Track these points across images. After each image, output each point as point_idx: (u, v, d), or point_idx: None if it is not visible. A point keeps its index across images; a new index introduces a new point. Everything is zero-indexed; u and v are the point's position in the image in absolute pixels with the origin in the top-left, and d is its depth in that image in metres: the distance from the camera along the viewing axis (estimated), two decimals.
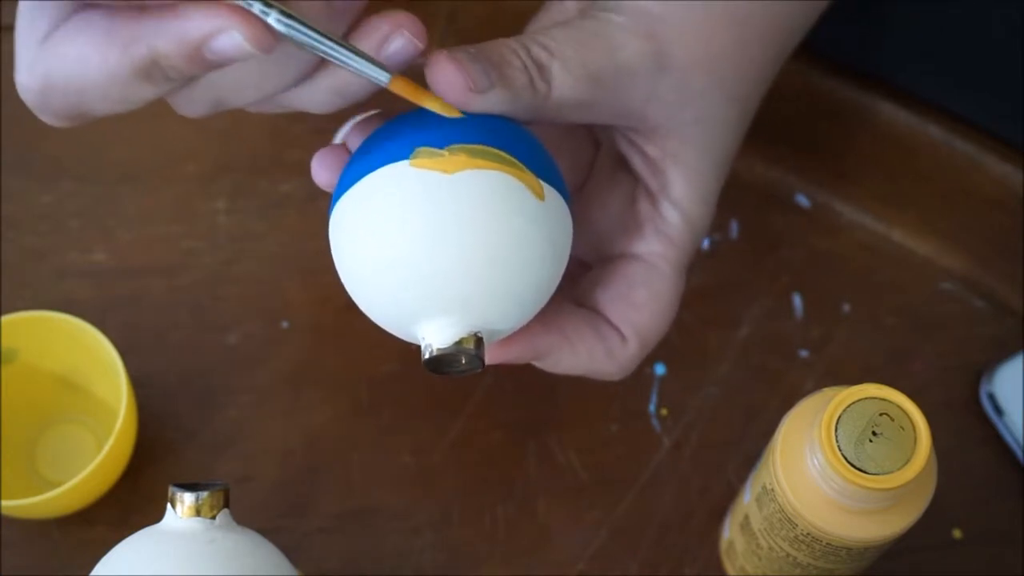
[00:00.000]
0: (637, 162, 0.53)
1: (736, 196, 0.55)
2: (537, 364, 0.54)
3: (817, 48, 0.65)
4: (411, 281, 0.45)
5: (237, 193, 0.69)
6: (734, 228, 0.68)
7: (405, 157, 0.45)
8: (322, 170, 0.50)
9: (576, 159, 0.56)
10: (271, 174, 0.70)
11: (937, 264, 0.68)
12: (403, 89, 0.46)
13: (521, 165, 0.46)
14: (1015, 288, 0.67)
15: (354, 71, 0.45)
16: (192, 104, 0.48)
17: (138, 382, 0.63)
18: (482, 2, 0.72)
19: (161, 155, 0.70)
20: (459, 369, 0.48)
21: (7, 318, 0.61)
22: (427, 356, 0.47)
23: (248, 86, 0.47)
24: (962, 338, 0.67)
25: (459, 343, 0.46)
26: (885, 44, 0.71)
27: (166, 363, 0.66)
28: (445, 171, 0.45)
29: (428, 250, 0.45)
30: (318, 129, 0.69)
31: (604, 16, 0.51)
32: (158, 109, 0.72)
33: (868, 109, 0.70)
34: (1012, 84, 0.69)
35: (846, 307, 0.67)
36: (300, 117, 0.70)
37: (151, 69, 0.44)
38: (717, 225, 0.68)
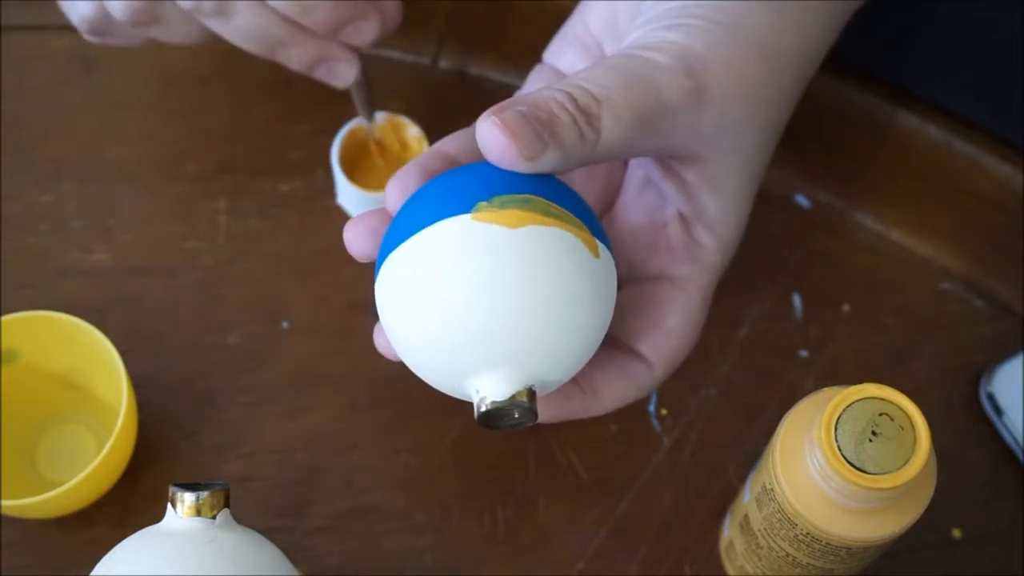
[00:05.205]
0: (671, 186, 0.54)
1: (752, 206, 0.55)
2: None
3: None
4: (469, 333, 0.46)
5: (237, 193, 0.69)
6: None
7: (467, 211, 0.46)
8: (358, 240, 0.50)
9: (609, 179, 0.57)
10: (271, 174, 0.70)
11: (937, 264, 0.68)
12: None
13: (579, 222, 0.47)
14: (1015, 288, 0.67)
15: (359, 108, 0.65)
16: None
17: (138, 382, 0.63)
18: (482, 2, 0.72)
19: (161, 155, 0.70)
20: (511, 423, 0.48)
21: (7, 318, 0.61)
22: (482, 409, 0.47)
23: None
24: (962, 338, 0.67)
25: (513, 397, 0.46)
26: (885, 45, 0.71)
27: (166, 363, 0.66)
28: (509, 226, 0.46)
29: (488, 303, 0.45)
30: (319, 130, 0.69)
31: (645, 55, 0.51)
32: (158, 109, 0.72)
33: (868, 109, 0.70)
34: (1012, 84, 0.69)
35: (846, 307, 0.67)
36: (300, 118, 0.70)
37: None
38: None
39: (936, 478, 0.52)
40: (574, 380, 0.52)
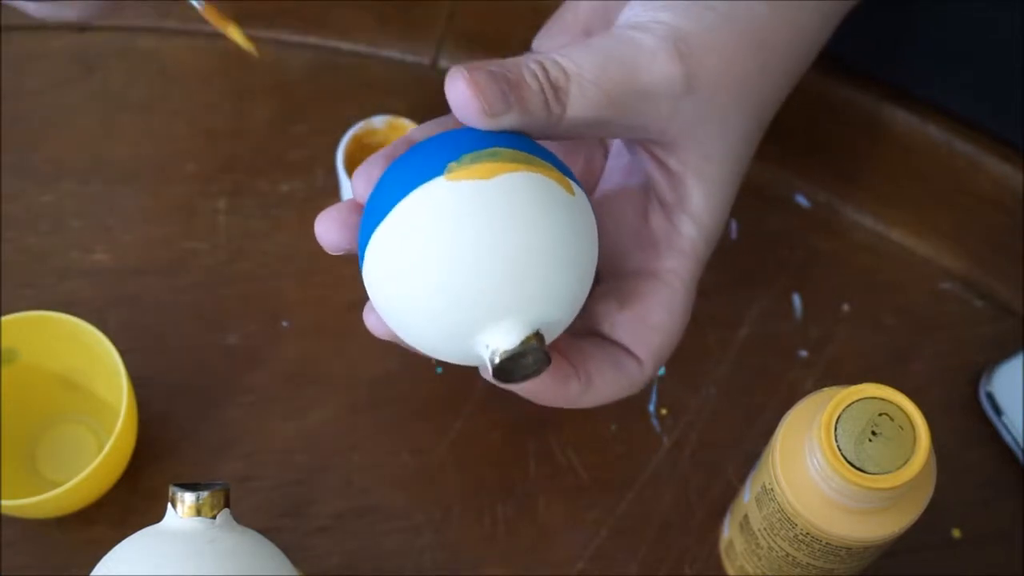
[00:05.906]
0: (654, 173, 0.53)
1: (736, 196, 0.55)
2: None
3: None
4: (468, 291, 0.46)
5: (237, 193, 0.69)
6: (734, 228, 0.68)
7: (439, 174, 0.46)
8: (328, 232, 0.49)
9: (589, 165, 0.56)
10: (271, 174, 0.70)
11: (937, 264, 0.68)
12: (211, 15, 0.56)
13: (548, 164, 0.47)
14: (1015, 288, 0.67)
15: None
16: None
17: (138, 382, 0.63)
18: (482, 2, 0.72)
19: (161, 155, 0.70)
20: (526, 371, 0.48)
21: (7, 318, 0.61)
22: (496, 362, 0.47)
23: None
24: (962, 338, 0.67)
25: (524, 342, 0.47)
26: (885, 45, 0.71)
27: (166, 363, 0.66)
28: (483, 178, 0.46)
29: (480, 257, 0.46)
30: (319, 130, 0.69)
31: (631, 35, 0.51)
32: (158, 109, 0.72)
33: (868, 109, 0.70)
34: (1012, 84, 0.69)
35: (846, 307, 0.67)
36: (300, 118, 0.70)
37: None
38: None
39: (936, 478, 0.52)
40: (571, 364, 0.52)
